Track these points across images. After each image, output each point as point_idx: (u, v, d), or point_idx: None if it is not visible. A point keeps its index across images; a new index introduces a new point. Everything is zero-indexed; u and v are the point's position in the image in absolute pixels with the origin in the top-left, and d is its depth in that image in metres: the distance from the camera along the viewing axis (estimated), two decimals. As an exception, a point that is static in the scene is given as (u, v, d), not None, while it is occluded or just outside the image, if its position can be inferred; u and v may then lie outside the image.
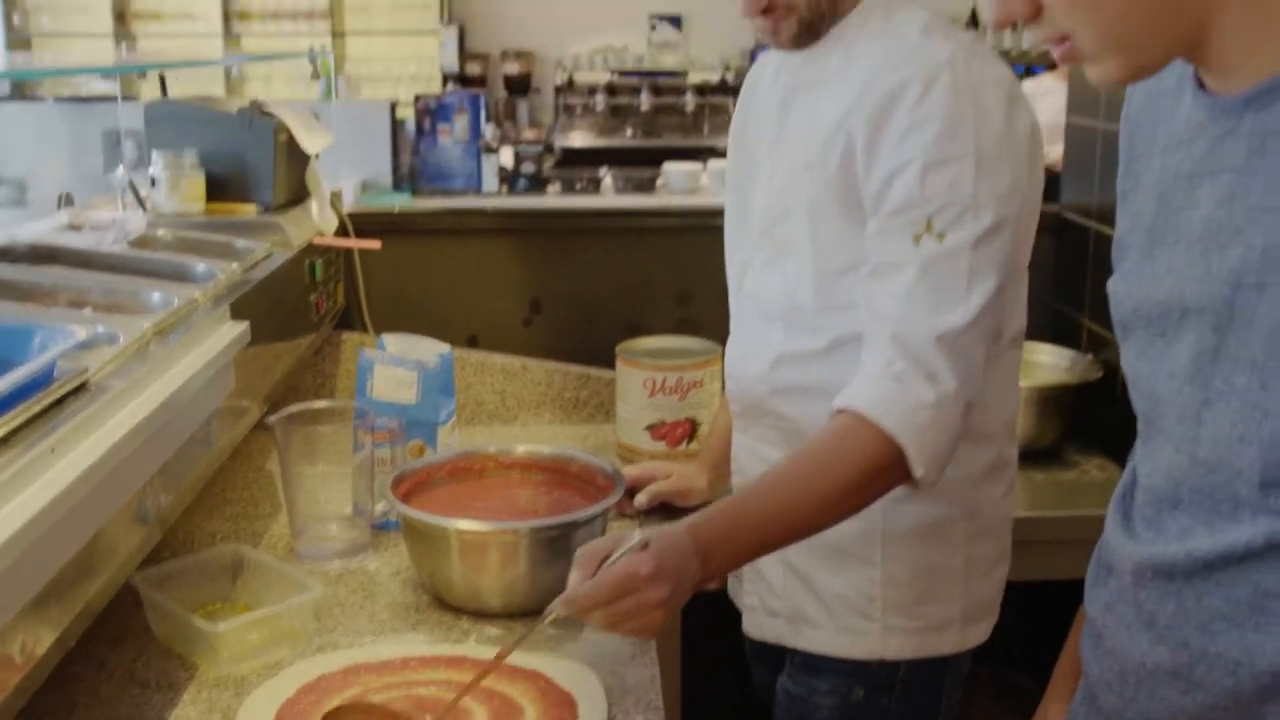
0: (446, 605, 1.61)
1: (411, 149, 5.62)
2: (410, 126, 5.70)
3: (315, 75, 3.55)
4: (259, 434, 1.89)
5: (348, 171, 2.85)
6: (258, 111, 2.13)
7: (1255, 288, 0.90)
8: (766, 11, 1.48)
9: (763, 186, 1.60)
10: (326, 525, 1.80)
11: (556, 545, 1.56)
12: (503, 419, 2.42)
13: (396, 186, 5.46)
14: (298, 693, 1.40)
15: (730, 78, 6.98)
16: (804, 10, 1.47)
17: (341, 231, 2.34)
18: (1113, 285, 1.10)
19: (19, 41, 7.60)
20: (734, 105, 1.73)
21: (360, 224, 2.43)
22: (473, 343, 2.55)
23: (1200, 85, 0.98)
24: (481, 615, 1.59)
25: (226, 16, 7.53)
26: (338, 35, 7.40)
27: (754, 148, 1.63)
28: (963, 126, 1.38)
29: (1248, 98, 0.92)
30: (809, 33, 1.49)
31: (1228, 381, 0.93)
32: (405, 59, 7.34)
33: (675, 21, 7.47)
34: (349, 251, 2.43)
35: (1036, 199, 1.47)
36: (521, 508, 1.72)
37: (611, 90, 6.87)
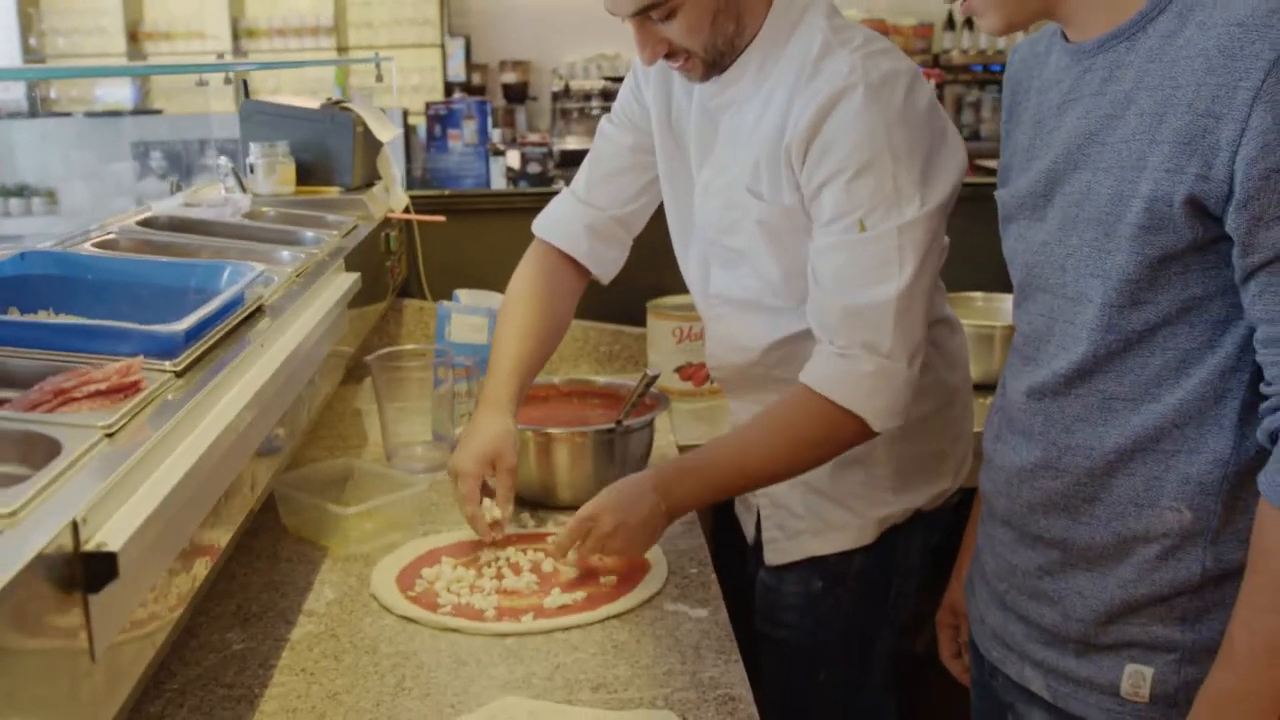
0: (524, 502, 1.94)
1: (423, 153, 5.99)
2: (421, 132, 6.05)
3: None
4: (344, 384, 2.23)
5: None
6: (337, 107, 2.49)
7: (1103, 170, 1.23)
8: (668, 56, 1.64)
9: (698, 200, 1.78)
10: (413, 448, 2.16)
11: (614, 447, 1.93)
12: (546, 371, 2.75)
13: (410, 190, 5.81)
14: (415, 560, 1.75)
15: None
16: (702, 54, 1.62)
17: (406, 210, 2.70)
18: (998, 194, 1.43)
19: (35, 62, 7.90)
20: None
21: (418, 204, 2.79)
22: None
23: (1065, 40, 1.31)
24: (553, 508, 1.94)
25: (235, 34, 7.82)
26: (342, 50, 7.72)
27: (684, 154, 1.82)
28: (875, 132, 1.54)
29: (1099, 42, 1.24)
30: (714, 68, 1.65)
31: (1081, 237, 1.27)
32: (407, 70, 7.67)
33: (663, 31, 7.85)
34: (409, 227, 2.79)
35: (955, 165, 1.62)
36: (583, 421, 2.06)
37: (606, 96, 7.19)
